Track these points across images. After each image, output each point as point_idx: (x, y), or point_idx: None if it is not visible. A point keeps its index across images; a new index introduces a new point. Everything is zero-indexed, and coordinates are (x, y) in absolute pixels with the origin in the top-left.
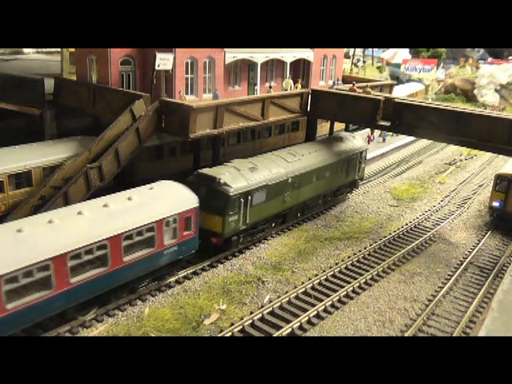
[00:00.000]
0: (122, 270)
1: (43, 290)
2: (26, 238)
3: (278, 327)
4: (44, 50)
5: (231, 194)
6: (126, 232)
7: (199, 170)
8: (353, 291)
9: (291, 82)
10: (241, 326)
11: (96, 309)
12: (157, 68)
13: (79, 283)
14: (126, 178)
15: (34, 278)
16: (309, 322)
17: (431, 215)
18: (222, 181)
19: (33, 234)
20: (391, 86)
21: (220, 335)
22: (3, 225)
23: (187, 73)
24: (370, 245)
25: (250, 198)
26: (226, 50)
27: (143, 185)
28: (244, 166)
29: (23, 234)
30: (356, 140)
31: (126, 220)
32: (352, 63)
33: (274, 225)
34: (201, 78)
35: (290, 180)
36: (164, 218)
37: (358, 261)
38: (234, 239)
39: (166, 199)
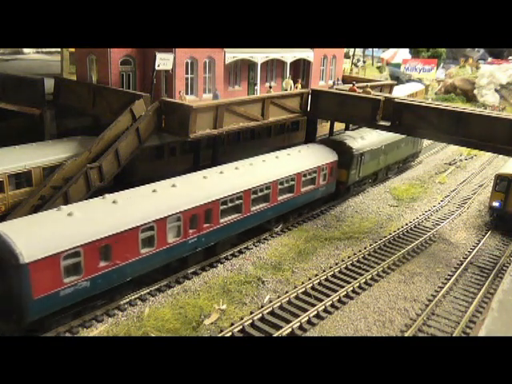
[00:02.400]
0: (299, 197)
1: (208, 224)
2: (159, 196)
3: (278, 327)
4: (44, 50)
5: (354, 154)
6: (304, 171)
7: (330, 137)
8: (353, 291)
9: (291, 82)
10: (241, 326)
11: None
12: (157, 68)
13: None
14: (125, 178)
15: (177, 222)
16: (309, 321)
17: (431, 215)
18: (347, 144)
19: (164, 194)
20: (391, 86)
21: (220, 335)
22: (145, 186)
23: (187, 73)
24: (370, 245)
25: (362, 157)
26: (226, 50)
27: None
28: (356, 135)
29: (158, 193)
30: None
31: (300, 163)
32: (352, 63)
33: (370, 180)
34: (201, 78)
35: (383, 147)
36: (320, 166)
37: (358, 261)
38: (351, 187)
39: (319, 154)
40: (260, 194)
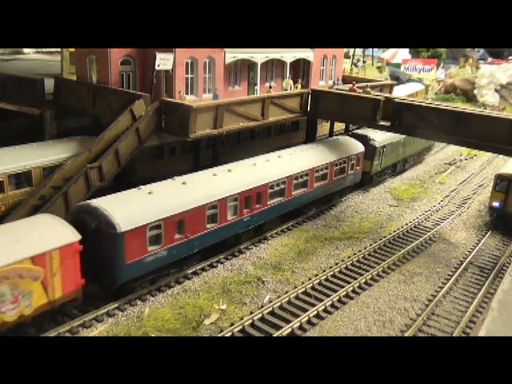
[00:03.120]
0: (331, 184)
1: (259, 205)
2: (219, 179)
3: (278, 327)
4: (44, 50)
5: (377, 146)
6: (335, 161)
7: (353, 131)
8: (353, 291)
9: (291, 82)
10: (241, 326)
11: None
12: (157, 68)
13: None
14: (126, 178)
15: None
16: (309, 321)
17: (431, 215)
18: (371, 137)
19: (223, 177)
20: (391, 86)
21: (220, 335)
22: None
23: (187, 73)
24: (370, 245)
25: (384, 149)
26: (225, 50)
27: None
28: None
29: (218, 177)
30: None
31: (332, 154)
32: (352, 63)
33: (389, 171)
34: (201, 78)
35: (401, 141)
36: (349, 156)
37: (358, 261)
38: (374, 177)
39: (348, 146)
40: (300, 180)
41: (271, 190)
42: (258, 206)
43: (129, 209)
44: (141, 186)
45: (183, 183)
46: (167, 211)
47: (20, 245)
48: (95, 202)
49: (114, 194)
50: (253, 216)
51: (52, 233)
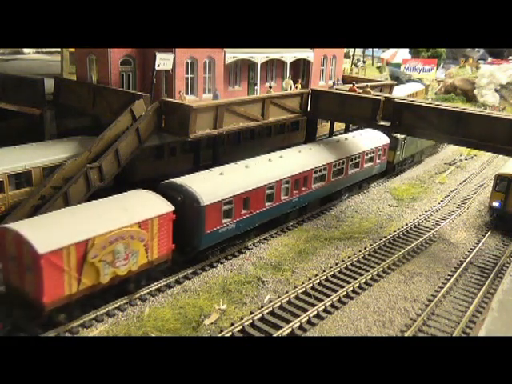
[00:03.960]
0: (362, 171)
1: (305, 187)
2: (273, 164)
3: (278, 327)
4: (44, 50)
5: (399, 138)
6: (366, 151)
7: None
8: (353, 291)
9: (291, 82)
10: (241, 326)
11: (348, 194)
12: (157, 68)
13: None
14: (126, 178)
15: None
16: (309, 321)
17: (431, 215)
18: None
19: (277, 162)
20: (391, 86)
21: (220, 335)
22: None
23: (187, 73)
24: (370, 245)
25: (405, 141)
26: (225, 50)
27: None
28: None
29: (272, 162)
30: None
31: (363, 144)
32: (352, 63)
33: (409, 161)
34: (201, 78)
35: None
36: (377, 147)
37: (358, 261)
38: (396, 166)
39: (376, 137)
40: (337, 167)
41: (315, 175)
42: (304, 188)
43: (207, 186)
44: (211, 169)
45: (246, 166)
46: (237, 189)
47: (129, 212)
48: (180, 180)
49: (192, 174)
50: (300, 197)
51: (152, 204)
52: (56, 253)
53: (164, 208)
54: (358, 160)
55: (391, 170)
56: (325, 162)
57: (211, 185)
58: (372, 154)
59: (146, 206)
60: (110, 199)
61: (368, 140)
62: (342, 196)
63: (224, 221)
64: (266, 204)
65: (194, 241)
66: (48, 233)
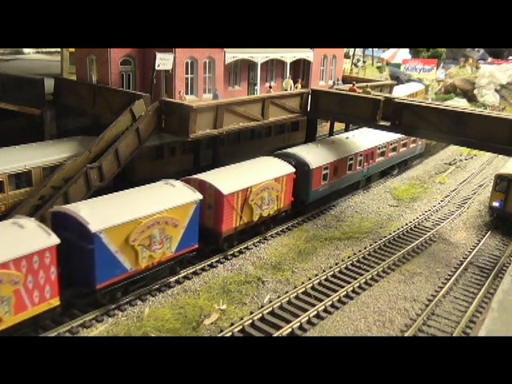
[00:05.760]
0: (408, 150)
1: (371, 161)
2: (350, 142)
3: (278, 327)
4: (44, 50)
5: None
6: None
7: None
8: (353, 291)
9: (291, 81)
10: (241, 326)
11: (397, 170)
12: (157, 68)
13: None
14: (126, 178)
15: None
16: (309, 321)
17: (431, 215)
18: None
19: (353, 140)
20: (391, 86)
21: (220, 335)
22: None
23: (187, 73)
24: (370, 245)
25: None
26: (226, 50)
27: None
28: None
29: (349, 139)
30: None
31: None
32: (352, 63)
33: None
34: (201, 78)
35: None
36: None
37: (358, 261)
38: (431, 149)
39: None
40: (392, 146)
41: (378, 151)
42: (371, 161)
43: (312, 154)
44: (308, 143)
45: (332, 142)
46: (330, 159)
47: (270, 171)
48: (291, 150)
49: (294, 147)
50: (369, 168)
51: (281, 166)
52: (232, 195)
53: (289, 169)
54: (406, 141)
55: (428, 151)
56: (385, 141)
57: (314, 154)
58: (406, 140)
59: (278, 167)
60: (253, 162)
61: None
62: (394, 170)
63: (322, 182)
64: (347, 172)
65: (304, 195)
66: (226, 181)
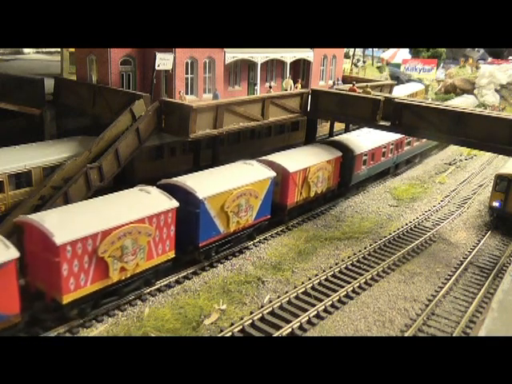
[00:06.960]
0: (422, 144)
1: (398, 151)
2: (374, 136)
3: (278, 327)
4: (44, 50)
5: None
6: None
7: None
8: (353, 291)
9: (291, 81)
10: (241, 326)
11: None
12: (157, 68)
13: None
14: (125, 178)
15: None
16: (309, 321)
17: (431, 215)
18: None
19: (376, 134)
20: (391, 86)
21: (220, 335)
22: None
23: (187, 73)
24: (370, 245)
25: None
26: (226, 50)
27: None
28: None
29: (371, 134)
30: None
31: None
32: (352, 63)
33: None
34: (201, 78)
35: None
36: None
37: (358, 261)
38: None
39: None
40: (409, 139)
41: (406, 141)
42: (400, 150)
43: (354, 143)
44: (349, 132)
45: (369, 132)
46: (370, 146)
47: (321, 155)
48: (339, 138)
49: (343, 134)
50: (398, 156)
51: (331, 151)
52: (296, 173)
53: (338, 153)
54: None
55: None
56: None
57: (356, 141)
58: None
59: (329, 152)
60: (309, 147)
61: None
62: (416, 159)
63: (362, 167)
64: (382, 158)
65: (347, 178)
66: (291, 161)
